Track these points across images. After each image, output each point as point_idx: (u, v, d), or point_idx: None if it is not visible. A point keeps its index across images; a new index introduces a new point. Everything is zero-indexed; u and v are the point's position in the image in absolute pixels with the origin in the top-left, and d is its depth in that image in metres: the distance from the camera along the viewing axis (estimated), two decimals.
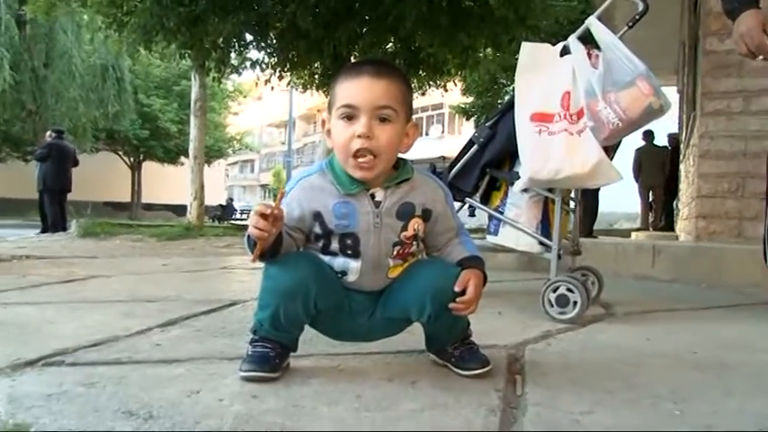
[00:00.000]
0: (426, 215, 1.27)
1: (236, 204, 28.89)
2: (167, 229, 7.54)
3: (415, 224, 1.25)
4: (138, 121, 20.13)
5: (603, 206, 6.84)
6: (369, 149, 1.15)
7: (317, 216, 1.21)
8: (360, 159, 1.16)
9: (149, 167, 23.22)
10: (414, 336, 1.39)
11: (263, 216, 1.09)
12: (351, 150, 1.16)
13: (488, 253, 2.13)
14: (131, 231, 7.23)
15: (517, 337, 1.66)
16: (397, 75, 1.20)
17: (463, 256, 1.28)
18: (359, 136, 1.15)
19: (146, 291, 2.52)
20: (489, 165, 2.29)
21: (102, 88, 17.79)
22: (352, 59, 8.94)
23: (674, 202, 8.76)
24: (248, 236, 1.13)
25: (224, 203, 25.30)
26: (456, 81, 11.16)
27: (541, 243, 2.17)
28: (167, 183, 23.17)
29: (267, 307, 1.19)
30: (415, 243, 1.27)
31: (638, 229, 8.90)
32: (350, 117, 1.16)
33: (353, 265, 1.23)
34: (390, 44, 9.07)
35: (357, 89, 1.16)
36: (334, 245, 1.23)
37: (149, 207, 23.61)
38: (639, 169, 8.95)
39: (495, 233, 2.29)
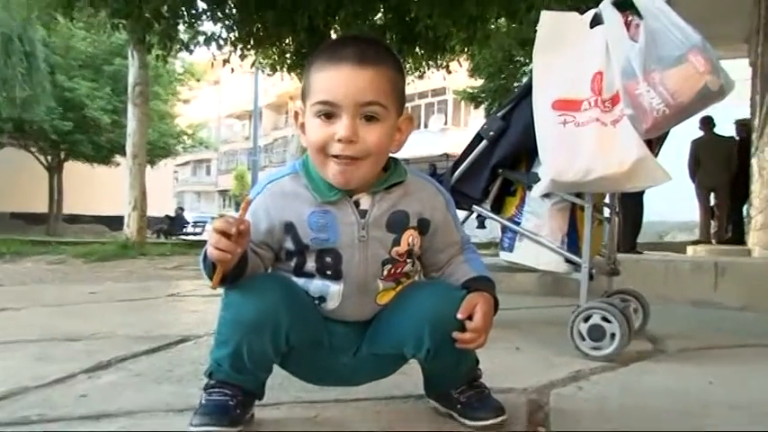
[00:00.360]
0: (423, 226, 1.28)
1: (188, 215, 28.75)
2: (98, 248, 7.51)
3: (410, 237, 1.26)
4: (57, 110, 19.83)
5: (650, 213, 6.85)
6: (352, 156, 1.17)
7: (290, 228, 1.22)
8: (341, 166, 1.17)
9: (74, 169, 23.00)
10: (410, 377, 1.39)
11: (226, 234, 1.09)
12: (329, 154, 1.17)
13: (502, 273, 2.15)
14: (49, 251, 7.19)
15: (540, 379, 1.67)
16: (387, 59, 1.21)
17: (469, 276, 1.29)
18: (339, 140, 1.16)
19: (68, 326, 2.49)
20: (502, 164, 2.31)
21: (5, 65, 17.31)
22: (333, 35, 8.98)
23: (744, 208, 8.78)
24: (205, 256, 1.14)
25: (172, 214, 25.17)
26: (461, 60, 11.25)
27: (568, 260, 2.18)
28: (98, 188, 23.00)
29: (227, 343, 1.19)
30: (409, 261, 1.29)
31: (696, 242, 8.88)
32: (328, 115, 1.17)
33: (334, 288, 1.24)
34: (379, 14, 9.11)
35: (336, 82, 1.16)
36: (310, 264, 1.24)
37: (74, 219, 23.42)
38: (697, 166, 8.83)
39: (511, 249, 2.30)
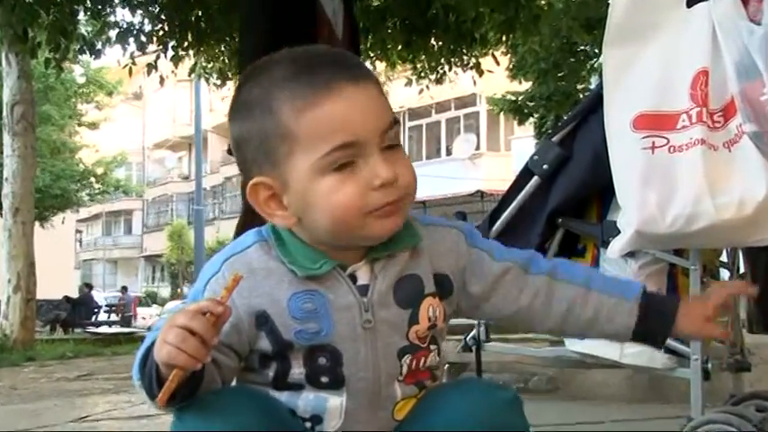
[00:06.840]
0: (442, 286, 1.32)
1: (99, 295, 28.73)
2: None
3: (429, 308, 1.29)
4: None
5: None
6: (397, 198, 1.21)
7: (263, 320, 1.24)
8: (389, 211, 1.21)
9: None
10: None
11: (206, 317, 1.10)
12: (366, 209, 1.20)
13: (572, 370, 2.13)
14: None
15: None
16: (363, 63, 1.31)
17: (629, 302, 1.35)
18: (382, 185, 1.19)
19: None
20: (562, 211, 2.34)
21: None
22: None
23: None
24: (145, 358, 1.15)
25: (74, 295, 25.16)
26: (498, 55, 11.35)
27: (670, 350, 2.19)
28: None
29: None
30: (433, 348, 1.31)
31: None
32: (346, 163, 1.20)
33: (334, 402, 1.26)
34: None
35: (350, 113, 1.20)
36: (297, 369, 1.25)
37: None
38: None
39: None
